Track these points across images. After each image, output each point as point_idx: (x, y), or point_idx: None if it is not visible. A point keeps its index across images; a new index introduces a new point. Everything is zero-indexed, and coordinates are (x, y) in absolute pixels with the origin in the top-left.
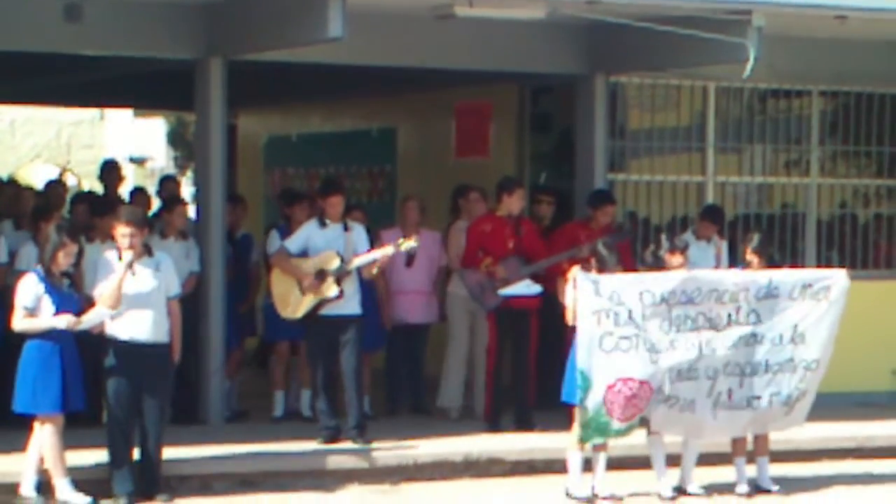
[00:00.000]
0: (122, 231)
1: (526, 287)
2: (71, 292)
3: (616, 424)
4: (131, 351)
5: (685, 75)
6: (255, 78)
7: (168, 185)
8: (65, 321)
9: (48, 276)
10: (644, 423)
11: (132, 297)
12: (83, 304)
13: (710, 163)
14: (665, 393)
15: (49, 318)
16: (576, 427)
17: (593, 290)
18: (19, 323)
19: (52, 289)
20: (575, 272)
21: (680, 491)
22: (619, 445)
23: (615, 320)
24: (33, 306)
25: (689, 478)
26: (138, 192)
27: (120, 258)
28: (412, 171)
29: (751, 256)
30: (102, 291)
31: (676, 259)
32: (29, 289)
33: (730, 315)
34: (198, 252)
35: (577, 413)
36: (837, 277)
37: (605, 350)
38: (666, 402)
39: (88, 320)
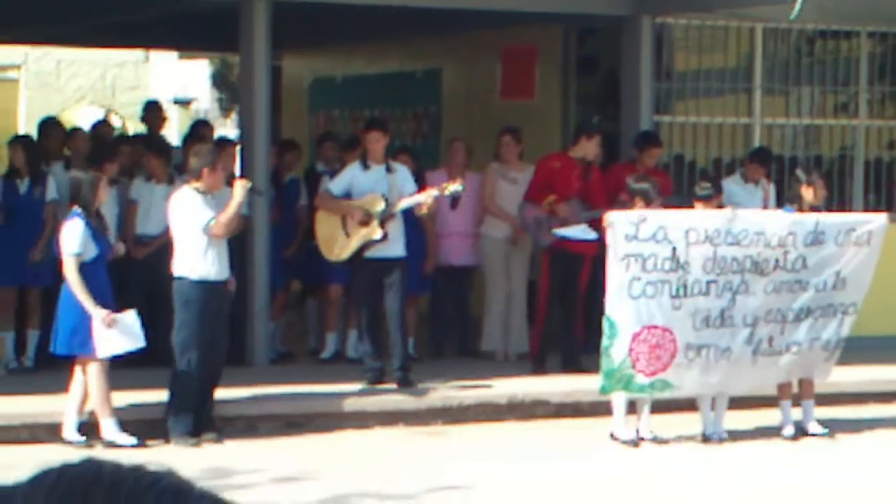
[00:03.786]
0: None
1: (583, 232)
2: (105, 235)
3: (640, 379)
4: (212, 289)
5: (732, 16)
6: (299, 19)
7: (204, 129)
8: (102, 317)
9: (92, 217)
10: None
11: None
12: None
13: (757, 105)
14: (694, 345)
15: (91, 304)
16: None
17: (630, 232)
18: (71, 273)
19: (96, 232)
20: (611, 216)
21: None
22: None
23: (643, 265)
24: (82, 251)
25: (720, 423)
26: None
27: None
28: (457, 113)
29: (823, 189)
30: (218, 220)
31: (700, 206)
32: (76, 234)
33: (777, 260)
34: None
35: (601, 361)
36: (878, 221)
37: (632, 296)
38: (699, 355)
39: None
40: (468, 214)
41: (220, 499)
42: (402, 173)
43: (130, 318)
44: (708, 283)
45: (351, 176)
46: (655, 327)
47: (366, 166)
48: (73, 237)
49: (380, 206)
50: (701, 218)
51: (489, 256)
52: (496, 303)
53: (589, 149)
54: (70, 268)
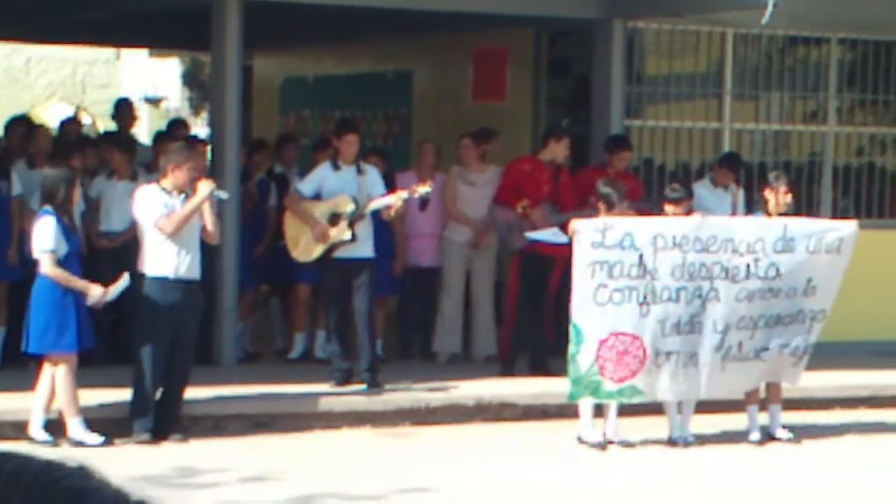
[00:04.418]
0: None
1: (553, 235)
2: (76, 232)
3: (608, 385)
4: (173, 287)
5: (703, 21)
6: (270, 19)
7: (179, 129)
8: (98, 293)
9: (63, 215)
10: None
11: (188, 233)
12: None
13: (727, 110)
14: (663, 351)
15: (84, 283)
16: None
17: (596, 239)
18: (51, 269)
19: (67, 229)
20: (575, 223)
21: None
22: None
23: (609, 272)
24: (57, 248)
25: (687, 427)
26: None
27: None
28: (428, 115)
29: (785, 196)
30: (172, 217)
31: (672, 209)
32: (50, 231)
33: (748, 267)
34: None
35: (568, 368)
36: (848, 228)
37: (598, 303)
38: (668, 361)
39: (116, 289)
40: (436, 216)
41: (130, 501)
42: (372, 175)
43: (121, 281)
44: (677, 289)
45: (321, 176)
46: (623, 334)
47: (336, 167)
48: (45, 234)
49: (349, 207)
50: (669, 224)
51: (450, 260)
52: (452, 306)
53: (558, 151)
54: (47, 264)
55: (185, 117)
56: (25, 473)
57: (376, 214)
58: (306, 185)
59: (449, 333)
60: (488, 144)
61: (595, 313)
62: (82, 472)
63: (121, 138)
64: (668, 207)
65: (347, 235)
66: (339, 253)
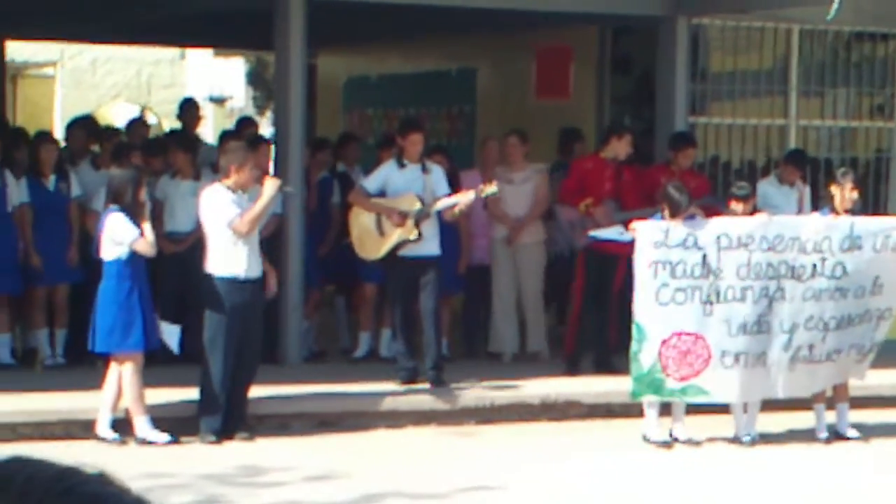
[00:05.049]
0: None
1: (618, 233)
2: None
3: (671, 384)
4: (241, 287)
5: (768, 17)
6: (335, 18)
7: (247, 127)
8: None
9: (130, 213)
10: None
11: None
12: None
13: (793, 106)
14: (731, 352)
15: (147, 230)
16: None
17: (658, 238)
18: (150, 248)
19: (136, 227)
20: (637, 224)
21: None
22: None
23: (672, 272)
24: (134, 236)
25: (753, 425)
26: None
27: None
28: (492, 113)
29: (851, 192)
30: (242, 217)
31: (738, 207)
32: (123, 224)
33: (815, 266)
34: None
35: (630, 366)
36: None
37: (661, 303)
38: (736, 362)
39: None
40: None
41: None
42: (437, 174)
43: (172, 331)
44: (743, 289)
45: (386, 174)
46: (686, 333)
47: (401, 165)
48: (122, 226)
49: (415, 205)
50: (734, 224)
51: (498, 259)
52: (506, 305)
53: (619, 149)
54: (144, 247)
55: (252, 116)
56: (41, 479)
57: (440, 213)
58: (371, 183)
59: (503, 333)
60: (578, 144)
61: (657, 313)
62: (101, 479)
63: (184, 138)
64: (734, 204)
65: (414, 234)
66: (405, 251)
